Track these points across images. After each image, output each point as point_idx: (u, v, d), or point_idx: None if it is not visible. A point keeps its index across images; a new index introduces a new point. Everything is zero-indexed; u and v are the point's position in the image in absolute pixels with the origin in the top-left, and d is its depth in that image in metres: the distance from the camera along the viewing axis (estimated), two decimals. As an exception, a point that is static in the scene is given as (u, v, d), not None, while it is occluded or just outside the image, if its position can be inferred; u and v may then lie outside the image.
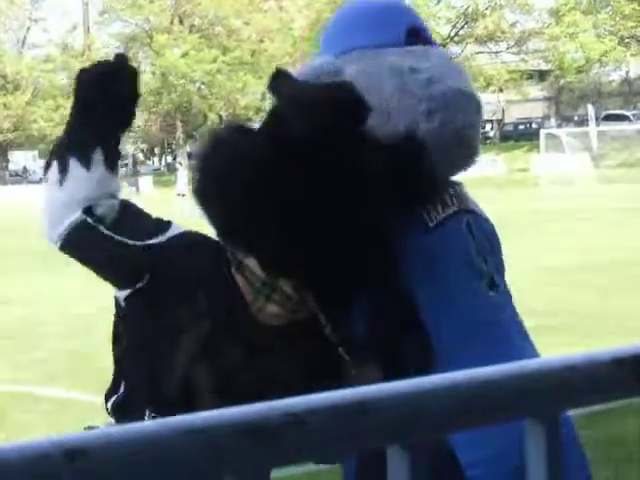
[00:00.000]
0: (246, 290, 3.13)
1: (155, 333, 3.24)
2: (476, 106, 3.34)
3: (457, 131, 3.25)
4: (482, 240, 3.33)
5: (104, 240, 3.21)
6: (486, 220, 3.44)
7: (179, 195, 49.60)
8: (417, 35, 3.39)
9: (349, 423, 1.35)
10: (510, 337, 3.27)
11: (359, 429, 1.35)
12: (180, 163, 75.81)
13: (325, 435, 1.34)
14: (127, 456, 1.18)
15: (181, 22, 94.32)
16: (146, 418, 3.19)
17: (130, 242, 3.21)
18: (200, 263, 3.23)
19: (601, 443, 8.04)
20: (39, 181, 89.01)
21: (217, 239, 3.14)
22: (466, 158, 3.37)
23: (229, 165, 2.92)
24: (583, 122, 73.77)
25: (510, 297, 3.38)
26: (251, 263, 3.10)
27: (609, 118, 75.33)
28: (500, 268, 3.39)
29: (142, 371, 3.28)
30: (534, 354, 3.27)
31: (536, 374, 1.44)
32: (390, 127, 3.18)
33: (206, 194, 3.02)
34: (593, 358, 1.50)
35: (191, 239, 3.29)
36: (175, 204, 49.34)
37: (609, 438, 8.60)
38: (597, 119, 73.16)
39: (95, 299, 19.11)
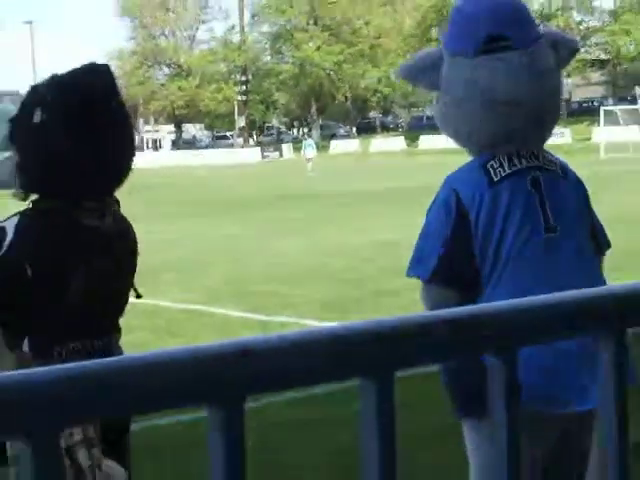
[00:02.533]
0: None
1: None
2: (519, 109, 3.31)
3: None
4: (550, 193, 3.26)
5: None
6: (564, 178, 3.37)
7: (307, 159, 50.70)
8: (496, 41, 3.30)
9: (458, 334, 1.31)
10: (530, 277, 3.20)
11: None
12: (307, 134, 75.85)
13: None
14: (284, 355, 1.17)
15: (315, 23, 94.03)
16: None
17: None
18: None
19: None
20: (205, 147, 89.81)
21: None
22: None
23: None
24: (634, 101, 72.24)
25: (576, 239, 3.29)
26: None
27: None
28: (569, 216, 3.31)
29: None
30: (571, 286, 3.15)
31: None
32: (462, 111, 3.31)
33: None
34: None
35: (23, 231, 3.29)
36: (305, 166, 49.84)
37: None
38: (646, 99, 72.20)
39: (251, 239, 19.24)
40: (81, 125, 3.29)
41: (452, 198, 3.26)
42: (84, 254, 3.34)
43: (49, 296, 3.26)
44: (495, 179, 3.27)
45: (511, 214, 3.23)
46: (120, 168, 3.53)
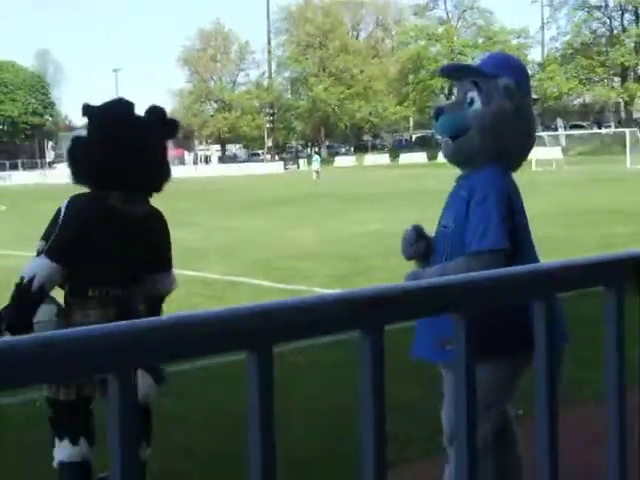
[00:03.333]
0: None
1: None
2: None
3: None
4: None
5: None
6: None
7: (314, 171, 51.40)
8: None
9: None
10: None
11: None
12: (316, 152, 75.92)
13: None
14: (301, 312, 1.14)
15: (324, 70, 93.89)
16: None
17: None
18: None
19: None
20: (242, 161, 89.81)
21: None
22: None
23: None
24: (556, 129, 72.19)
25: None
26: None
27: (572, 127, 74.60)
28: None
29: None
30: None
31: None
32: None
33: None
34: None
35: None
36: (312, 175, 50.01)
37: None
38: (565, 127, 72.53)
39: (274, 229, 19.21)
40: (107, 139, 3.43)
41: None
42: (110, 226, 3.44)
43: (84, 252, 3.37)
44: (507, 171, 3.33)
45: (515, 200, 3.18)
46: (142, 172, 3.54)
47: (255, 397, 1.11)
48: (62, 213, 3.45)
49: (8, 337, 3.08)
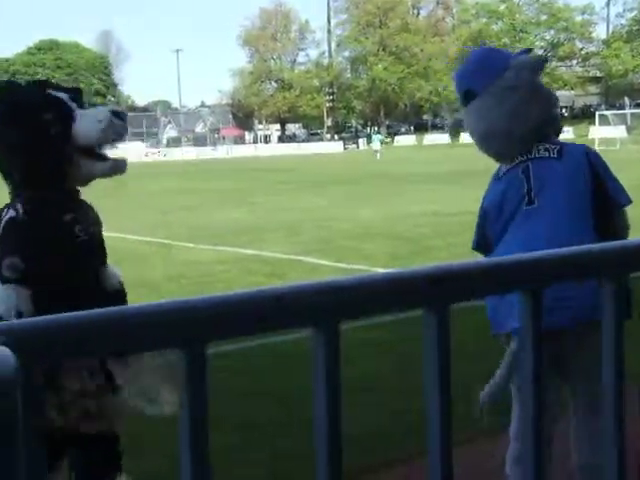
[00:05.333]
0: None
1: None
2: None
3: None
4: (536, 175, 3.18)
5: None
6: (557, 159, 3.24)
7: (374, 151, 50.92)
8: (469, 93, 3.33)
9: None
10: (512, 240, 3.15)
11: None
12: (376, 131, 75.49)
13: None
14: (365, 291, 1.14)
15: (383, 49, 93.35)
16: None
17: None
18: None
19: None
20: (302, 141, 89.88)
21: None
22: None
23: None
24: (622, 107, 70.74)
25: (558, 206, 3.17)
26: None
27: (637, 106, 73.00)
28: (552, 189, 3.19)
29: None
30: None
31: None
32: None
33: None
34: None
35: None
36: (373, 154, 49.84)
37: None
38: (630, 106, 70.88)
39: (334, 208, 19.18)
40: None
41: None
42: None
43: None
44: (499, 176, 3.30)
45: (507, 195, 3.19)
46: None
47: (321, 375, 1.12)
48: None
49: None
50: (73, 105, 2.81)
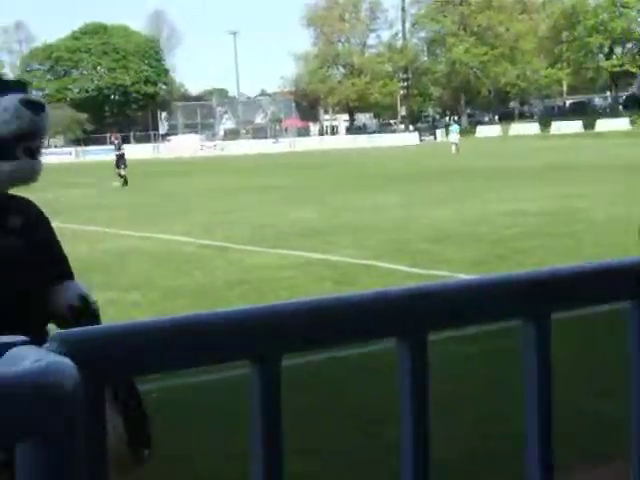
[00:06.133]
0: None
1: None
2: None
3: None
4: None
5: None
6: None
7: (452, 143, 50.45)
8: None
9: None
10: None
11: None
12: (454, 121, 74.95)
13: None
14: (459, 297, 1.13)
15: (464, 29, 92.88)
16: None
17: None
18: None
19: None
20: (372, 132, 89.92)
21: None
22: None
23: None
24: None
25: None
26: None
27: None
28: None
29: None
30: None
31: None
32: None
33: None
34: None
35: None
36: (450, 147, 49.63)
37: None
38: None
39: (409, 207, 19.16)
40: None
41: None
42: None
43: None
44: None
45: None
46: None
47: (407, 392, 1.11)
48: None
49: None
50: None
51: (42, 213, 2.74)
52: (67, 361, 0.84)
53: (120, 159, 33.54)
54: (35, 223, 2.66)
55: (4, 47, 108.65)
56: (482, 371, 6.32)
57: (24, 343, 0.92)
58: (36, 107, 2.51)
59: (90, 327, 0.95)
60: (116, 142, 36.77)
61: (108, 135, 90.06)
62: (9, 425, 0.79)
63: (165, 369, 1.00)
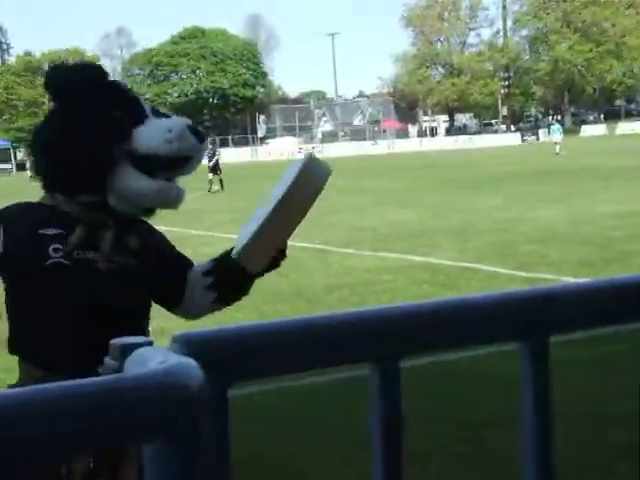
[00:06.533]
0: None
1: None
2: None
3: None
4: None
5: None
6: None
7: (555, 143, 49.30)
8: None
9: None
10: None
11: None
12: (557, 121, 73.70)
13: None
14: (584, 300, 1.11)
15: (567, 26, 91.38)
16: None
17: None
18: None
19: None
20: (473, 133, 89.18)
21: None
22: None
23: None
24: None
25: None
26: None
27: None
28: None
29: None
30: None
31: None
32: None
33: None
34: None
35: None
36: (553, 147, 48.84)
37: None
38: None
39: (512, 209, 18.94)
40: None
41: None
42: None
43: None
44: None
45: None
46: None
47: (530, 400, 1.10)
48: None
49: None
50: (147, 108, 2.62)
51: (151, 227, 2.78)
52: (192, 362, 0.86)
53: (212, 162, 33.19)
54: (149, 239, 2.70)
55: (106, 53, 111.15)
56: (600, 374, 6.20)
57: (149, 344, 0.94)
58: (201, 135, 2.59)
59: (211, 328, 0.96)
60: (210, 147, 36.31)
61: (207, 139, 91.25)
62: (136, 425, 0.81)
63: (285, 371, 1.00)
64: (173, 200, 2.62)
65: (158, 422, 0.81)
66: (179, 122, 2.58)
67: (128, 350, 0.91)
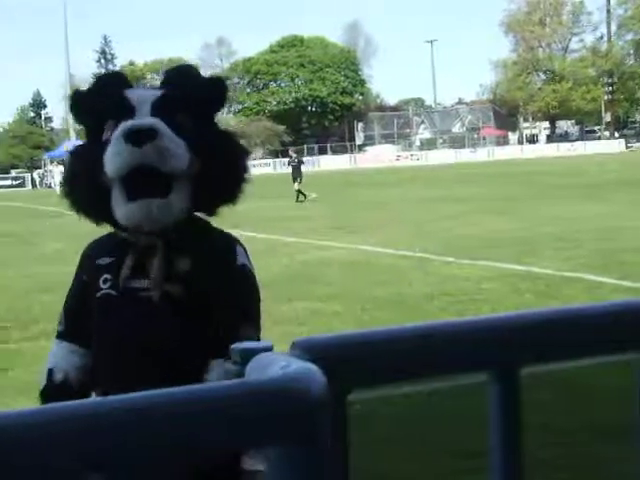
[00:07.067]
0: None
1: None
2: None
3: None
4: None
5: None
6: None
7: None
8: None
9: None
10: None
11: None
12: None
13: None
14: None
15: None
16: None
17: None
18: None
19: None
20: (575, 140, 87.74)
21: None
22: None
23: None
24: None
25: None
26: None
27: None
28: None
29: None
30: None
31: None
32: None
33: None
34: None
35: None
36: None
37: None
38: None
39: (617, 217, 18.57)
40: None
41: None
42: None
43: None
44: None
45: None
46: None
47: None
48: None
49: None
50: (121, 127, 2.37)
51: (221, 258, 2.47)
52: (313, 367, 0.86)
53: (296, 172, 32.52)
54: (202, 270, 2.41)
55: (206, 62, 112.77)
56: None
57: (269, 349, 0.95)
58: (137, 138, 2.31)
59: (332, 334, 0.97)
60: (293, 156, 35.48)
61: (305, 147, 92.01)
62: (259, 429, 0.82)
63: (403, 378, 1.00)
64: (154, 216, 2.32)
65: (281, 426, 0.82)
66: (116, 134, 2.34)
67: (249, 355, 0.93)
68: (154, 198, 2.31)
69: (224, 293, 2.40)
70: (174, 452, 0.78)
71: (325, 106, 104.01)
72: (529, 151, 77.38)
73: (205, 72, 2.84)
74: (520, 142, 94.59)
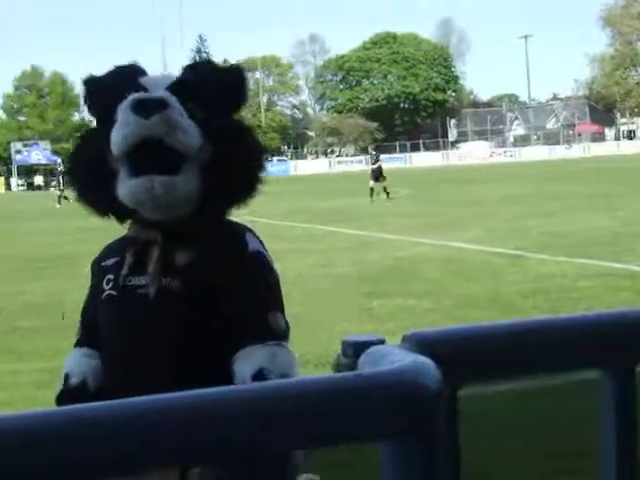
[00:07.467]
0: None
1: None
2: None
3: None
4: None
5: None
6: None
7: None
8: None
9: None
10: None
11: None
12: None
13: None
14: None
15: None
16: None
17: None
18: None
19: None
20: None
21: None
22: None
23: None
24: None
25: None
26: None
27: None
28: None
29: None
30: None
31: None
32: None
33: None
34: None
35: None
36: None
37: None
38: None
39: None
40: None
41: None
42: None
43: None
44: None
45: None
46: None
47: None
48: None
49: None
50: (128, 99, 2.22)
51: (229, 248, 2.33)
52: (429, 361, 0.85)
53: (376, 172, 31.62)
54: (204, 263, 2.28)
55: (299, 59, 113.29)
56: None
57: (381, 342, 0.94)
58: (144, 110, 2.18)
59: (442, 328, 0.96)
60: (373, 154, 34.63)
61: (397, 144, 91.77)
62: (374, 423, 0.81)
63: (514, 374, 0.99)
64: (156, 193, 2.17)
65: (397, 420, 0.82)
66: (122, 105, 2.20)
67: (362, 348, 0.92)
68: (159, 175, 2.18)
69: (237, 282, 2.27)
70: (282, 443, 0.79)
71: (417, 103, 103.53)
72: (626, 147, 75.81)
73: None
74: (617, 138, 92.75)
